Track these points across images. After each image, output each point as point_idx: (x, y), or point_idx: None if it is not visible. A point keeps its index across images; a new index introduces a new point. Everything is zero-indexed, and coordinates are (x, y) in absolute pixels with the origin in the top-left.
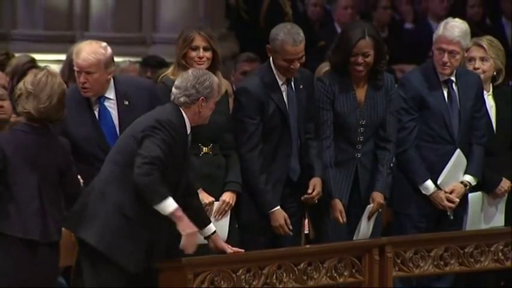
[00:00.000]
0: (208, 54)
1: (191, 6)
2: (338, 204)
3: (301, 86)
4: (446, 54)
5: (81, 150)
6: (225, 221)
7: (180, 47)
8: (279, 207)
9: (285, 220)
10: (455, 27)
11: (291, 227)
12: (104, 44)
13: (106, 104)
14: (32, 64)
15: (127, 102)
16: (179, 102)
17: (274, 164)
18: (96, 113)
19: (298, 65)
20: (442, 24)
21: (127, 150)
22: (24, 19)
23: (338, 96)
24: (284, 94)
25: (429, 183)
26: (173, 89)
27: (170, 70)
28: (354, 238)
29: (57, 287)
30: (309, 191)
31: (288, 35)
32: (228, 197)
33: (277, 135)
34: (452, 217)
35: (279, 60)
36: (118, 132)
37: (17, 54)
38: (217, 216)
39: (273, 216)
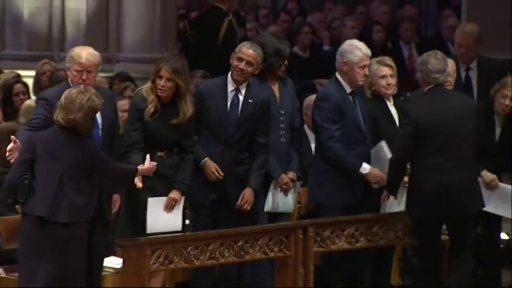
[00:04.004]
0: (170, 84)
1: (148, 32)
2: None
3: (250, 100)
4: (366, 68)
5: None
6: (177, 213)
7: (152, 72)
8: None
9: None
10: (363, 46)
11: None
12: None
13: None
14: (18, 79)
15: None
16: (443, 82)
17: (209, 152)
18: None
19: (244, 69)
20: (350, 47)
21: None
22: (11, 41)
23: None
24: (229, 99)
25: (365, 164)
26: (435, 75)
27: (146, 87)
28: (265, 209)
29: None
30: (238, 202)
31: (249, 43)
32: (174, 194)
33: (216, 129)
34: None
35: (233, 60)
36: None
37: (5, 71)
38: (167, 210)
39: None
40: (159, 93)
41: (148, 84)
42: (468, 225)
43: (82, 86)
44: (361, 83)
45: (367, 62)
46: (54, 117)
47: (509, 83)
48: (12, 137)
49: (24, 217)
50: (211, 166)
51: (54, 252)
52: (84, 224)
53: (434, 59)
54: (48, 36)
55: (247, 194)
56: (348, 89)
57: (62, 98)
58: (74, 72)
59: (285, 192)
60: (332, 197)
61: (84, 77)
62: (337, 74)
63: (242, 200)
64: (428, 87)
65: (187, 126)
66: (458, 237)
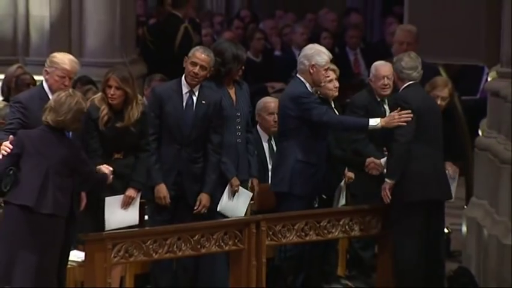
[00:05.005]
0: (119, 92)
1: (109, 37)
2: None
3: (203, 102)
4: (329, 71)
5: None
6: (134, 210)
7: (101, 83)
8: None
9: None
10: (326, 50)
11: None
12: None
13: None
14: None
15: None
16: (416, 78)
17: (167, 151)
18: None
19: (198, 73)
20: (316, 51)
21: None
22: None
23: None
24: (184, 100)
25: (372, 119)
26: (408, 71)
27: (98, 97)
28: (218, 209)
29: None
30: (195, 207)
31: (202, 47)
32: (131, 192)
33: (174, 130)
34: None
35: (188, 64)
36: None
37: None
38: (124, 208)
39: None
40: (110, 102)
41: (99, 94)
42: (443, 214)
43: (70, 90)
44: (323, 84)
45: (329, 65)
46: (43, 118)
47: (440, 83)
48: (10, 136)
49: (6, 206)
50: (164, 192)
51: (37, 241)
52: (63, 219)
53: (407, 57)
54: (13, 42)
55: (204, 199)
56: (310, 90)
57: (51, 100)
58: (56, 78)
59: (237, 195)
60: (299, 187)
61: (66, 83)
62: (299, 76)
63: (199, 205)
64: (405, 84)
65: (141, 127)
66: (438, 225)
